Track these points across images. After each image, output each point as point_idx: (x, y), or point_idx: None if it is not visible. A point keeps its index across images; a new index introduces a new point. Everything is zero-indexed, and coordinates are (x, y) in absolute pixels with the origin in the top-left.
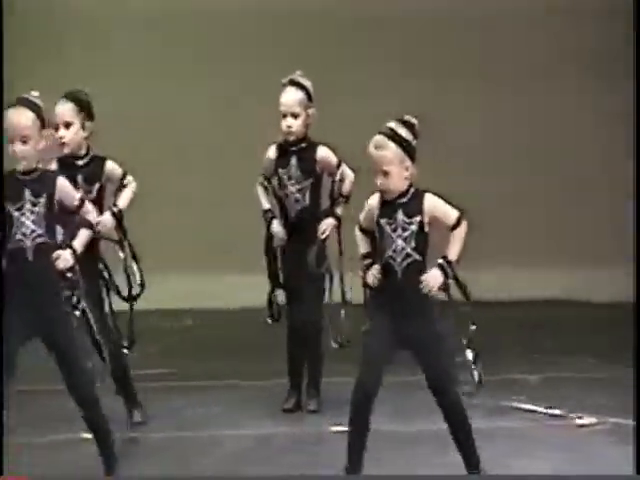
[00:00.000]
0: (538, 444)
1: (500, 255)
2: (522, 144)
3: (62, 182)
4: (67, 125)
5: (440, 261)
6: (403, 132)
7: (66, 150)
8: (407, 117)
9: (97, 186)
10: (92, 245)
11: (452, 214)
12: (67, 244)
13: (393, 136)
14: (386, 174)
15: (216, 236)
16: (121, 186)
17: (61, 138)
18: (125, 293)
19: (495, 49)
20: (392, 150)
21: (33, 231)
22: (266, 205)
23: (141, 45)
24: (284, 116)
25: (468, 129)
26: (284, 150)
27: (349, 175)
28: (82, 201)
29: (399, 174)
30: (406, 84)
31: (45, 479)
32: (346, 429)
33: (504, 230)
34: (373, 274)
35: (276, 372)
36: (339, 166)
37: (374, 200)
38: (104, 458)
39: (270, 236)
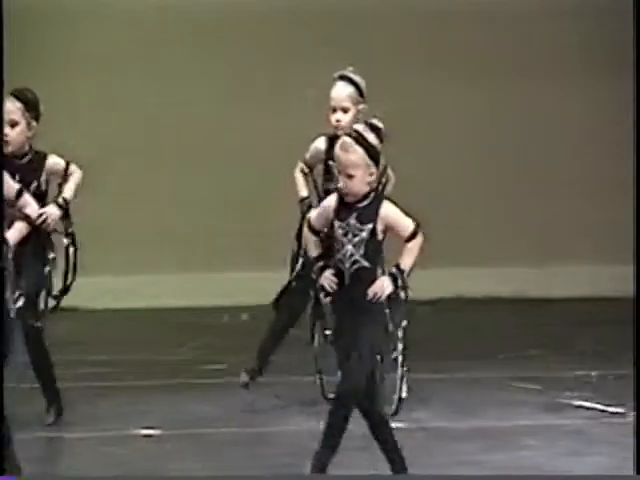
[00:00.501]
0: (595, 442)
1: (552, 252)
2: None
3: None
4: (13, 124)
5: (393, 270)
6: (370, 137)
7: (9, 149)
8: (374, 121)
9: (35, 184)
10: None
11: (408, 225)
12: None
13: (360, 140)
14: (350, 177)
15: (274, 231)
16: (65, 177)
17: (5, 136)
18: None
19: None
20: (358, 154)
21: None
22: (304, 193)
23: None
24: (334, 110)
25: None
26: (335, 143)
27: (392, 178)
28: (20, 193)
29: (362, 178)
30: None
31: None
32: (407, 426)
33: (550, 228)
34: (328, 278)
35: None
36: (385, 168)
37: (331, 201)
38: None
39: (302, 224)
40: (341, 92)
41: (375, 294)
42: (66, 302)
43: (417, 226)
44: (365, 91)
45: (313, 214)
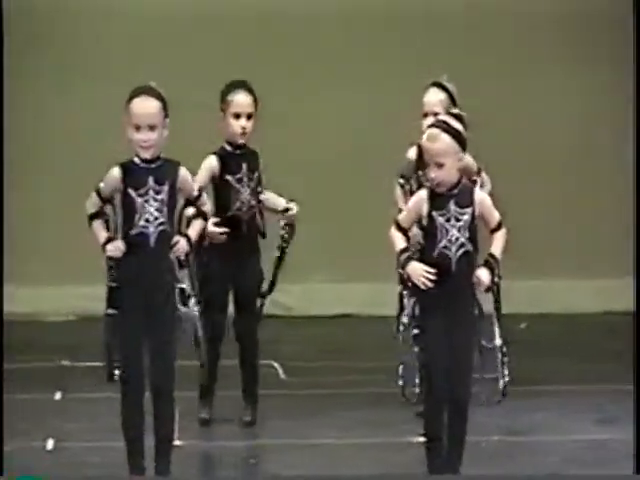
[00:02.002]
0: None
1: None
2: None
3: (184, 172)
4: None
5: (489, 260)
6: (455, 124)
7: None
8: (456, 111)
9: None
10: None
11: (496, 216)
12: (184, 233)
13: (446, 128)
14: (440, 166)
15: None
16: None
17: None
18: None
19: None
20: (446, 142)
21: (156, 218)
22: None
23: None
24: (425, 115)
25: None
26: None
27: (487, 182)
28: (200, 192)
29: (452, 165)
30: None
31: None
32: None
33: None
34: (423, 274)
35: (604, 376)
36: (479, 172)
37: (421, 196)
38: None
39: None
40: (433, 97)
41: (482, 281)
42: (341, 309)
43: (501, 218)
44: (457, 98)
45: (400, 216)
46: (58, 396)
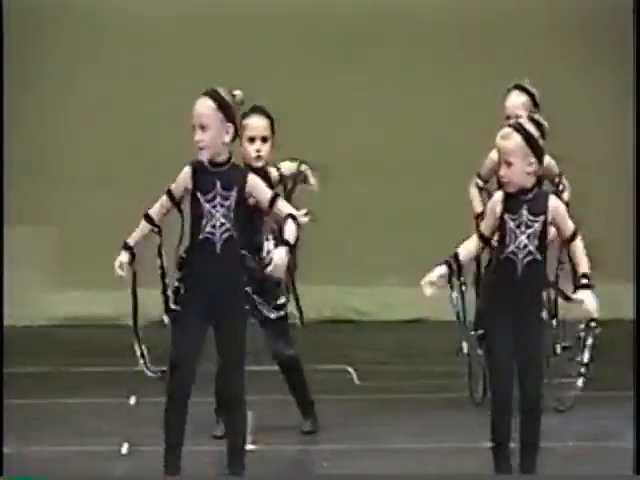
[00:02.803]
0: None
1: None
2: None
3: (252, 177)
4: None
5: (584, 281)
6: (530, 127)
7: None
8: (537, 116)
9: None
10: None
11: (570, 225)
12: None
13: (518, 128)
14: (509, 165)
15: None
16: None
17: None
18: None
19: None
20: (516, 141)
21: (222, 224)
22: (479, 208)
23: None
24: (508, 118)
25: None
26: None
27: (568, 187)
28: (275, 196)
29: (521, 167)
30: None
31: None
32: None
33: None
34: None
35: None
36: (560, 176)
37: (497, 197)
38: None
39: None
40: (515, 101)
41: (590, 309)
42: (414, 313)
43: (576, 228)
44: (539, 101)
45: (482, 224)
46: (133, 400)
